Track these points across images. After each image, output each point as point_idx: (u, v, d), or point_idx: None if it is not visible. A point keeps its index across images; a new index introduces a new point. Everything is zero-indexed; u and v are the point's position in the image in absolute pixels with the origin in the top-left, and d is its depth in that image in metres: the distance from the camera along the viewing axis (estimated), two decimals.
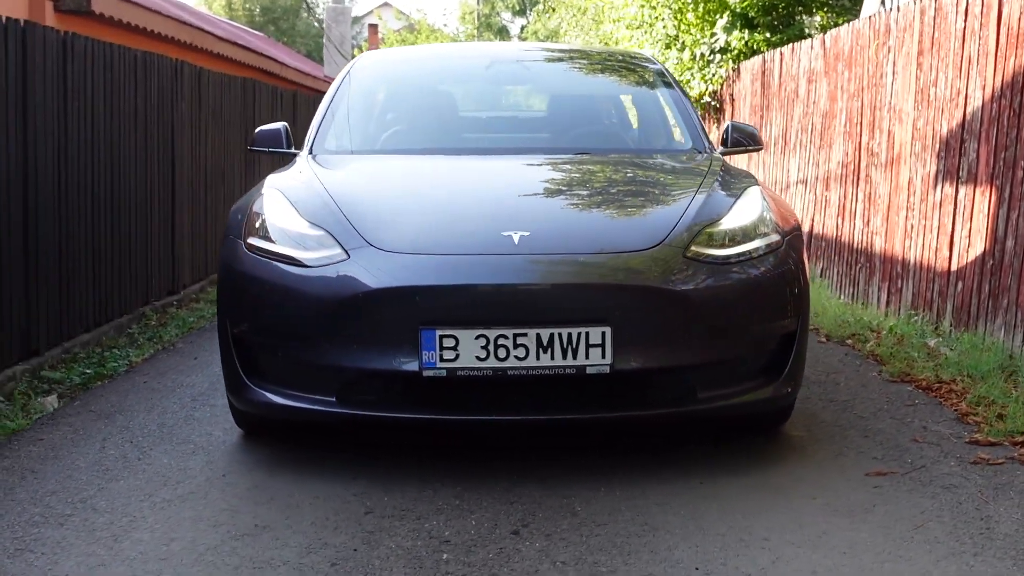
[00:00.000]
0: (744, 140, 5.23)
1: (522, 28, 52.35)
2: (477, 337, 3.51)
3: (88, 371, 5.41)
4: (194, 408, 4.74)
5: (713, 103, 12.97)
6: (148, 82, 7.13)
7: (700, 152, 4.84)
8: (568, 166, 4.54)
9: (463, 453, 4.03)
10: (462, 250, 3.69)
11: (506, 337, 3.51)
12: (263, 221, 3.94)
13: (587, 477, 3.76)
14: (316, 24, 51.59)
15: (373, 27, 40.60)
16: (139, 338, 6.35)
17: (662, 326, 3.63)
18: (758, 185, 4.24)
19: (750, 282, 3.79)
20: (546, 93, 5.47)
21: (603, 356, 3.54)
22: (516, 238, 3.69)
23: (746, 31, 12.24)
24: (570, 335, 3.52)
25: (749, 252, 3.83)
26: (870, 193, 7.30)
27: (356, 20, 51.40)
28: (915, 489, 3.68)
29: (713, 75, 12.76)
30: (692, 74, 13.34)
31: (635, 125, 5.36)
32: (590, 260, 3.67)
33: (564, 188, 4.27)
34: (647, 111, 5.32)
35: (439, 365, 3.52)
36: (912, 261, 6.52)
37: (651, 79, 5.44)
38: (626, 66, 5.74)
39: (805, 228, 8.76)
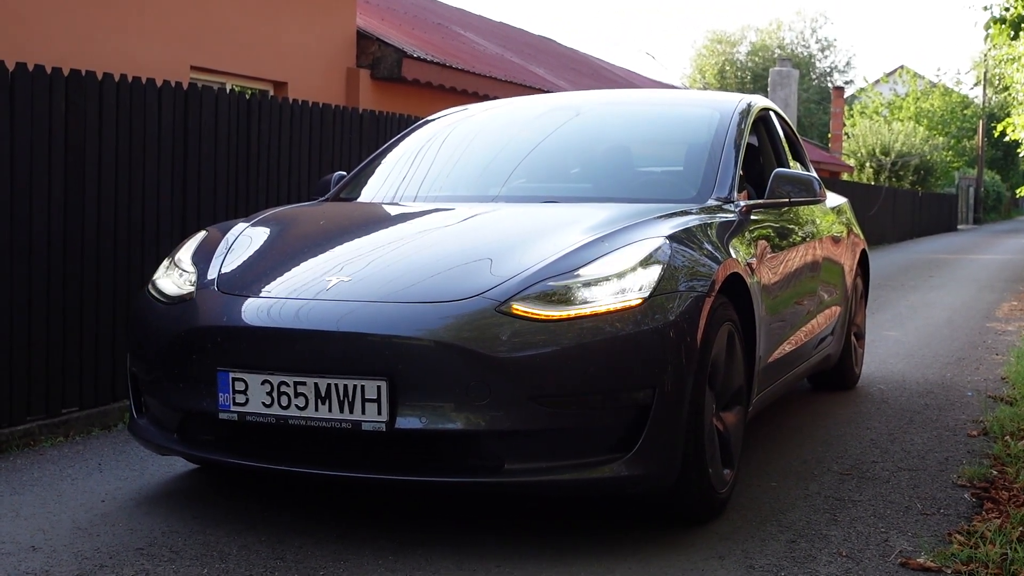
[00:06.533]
0: (790, 192, 4.62)
1: None
2: (263, 382, 3.40)
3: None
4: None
5: None
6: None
7: (697, 203, 4.27)
8: (493, 215, 4.18)
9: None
10: (276, 293, 3.60)
11: (287, 384, 3.37)
12: (171, 259, 4.10)
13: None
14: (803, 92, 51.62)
15: (838, 90, 39.32)
16: None
17: (455, 386, 3.27)
18: (666, 238, 3.64)
19: (581, 345, 3.28)
20: (582, 141, 5.07)
21: (379, 412, 3.27)
22: (333, 283, 3.55)
23: None
24: (346, 387, 3.30)
25: (588, 312, 3.32)
26: None
27: (873, 85, 50.07)
28: None
29: None
30: None
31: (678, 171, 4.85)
32: (378, 309, 3.40)
33: (440, 238, 3.98)
34: (678, 158, 4.82)
35: (232, 408, 3.45)
36: None
37: (713, 123, 4.86)
38: (698, 109, 5.22)
39: None
